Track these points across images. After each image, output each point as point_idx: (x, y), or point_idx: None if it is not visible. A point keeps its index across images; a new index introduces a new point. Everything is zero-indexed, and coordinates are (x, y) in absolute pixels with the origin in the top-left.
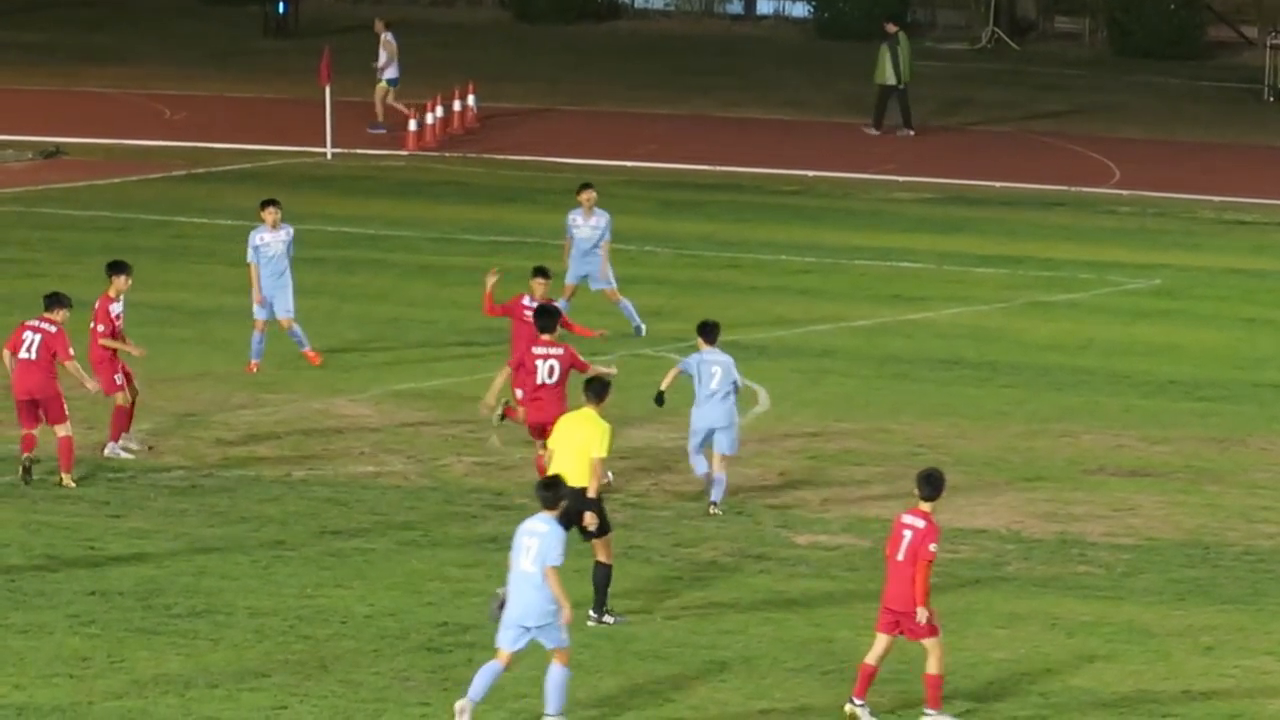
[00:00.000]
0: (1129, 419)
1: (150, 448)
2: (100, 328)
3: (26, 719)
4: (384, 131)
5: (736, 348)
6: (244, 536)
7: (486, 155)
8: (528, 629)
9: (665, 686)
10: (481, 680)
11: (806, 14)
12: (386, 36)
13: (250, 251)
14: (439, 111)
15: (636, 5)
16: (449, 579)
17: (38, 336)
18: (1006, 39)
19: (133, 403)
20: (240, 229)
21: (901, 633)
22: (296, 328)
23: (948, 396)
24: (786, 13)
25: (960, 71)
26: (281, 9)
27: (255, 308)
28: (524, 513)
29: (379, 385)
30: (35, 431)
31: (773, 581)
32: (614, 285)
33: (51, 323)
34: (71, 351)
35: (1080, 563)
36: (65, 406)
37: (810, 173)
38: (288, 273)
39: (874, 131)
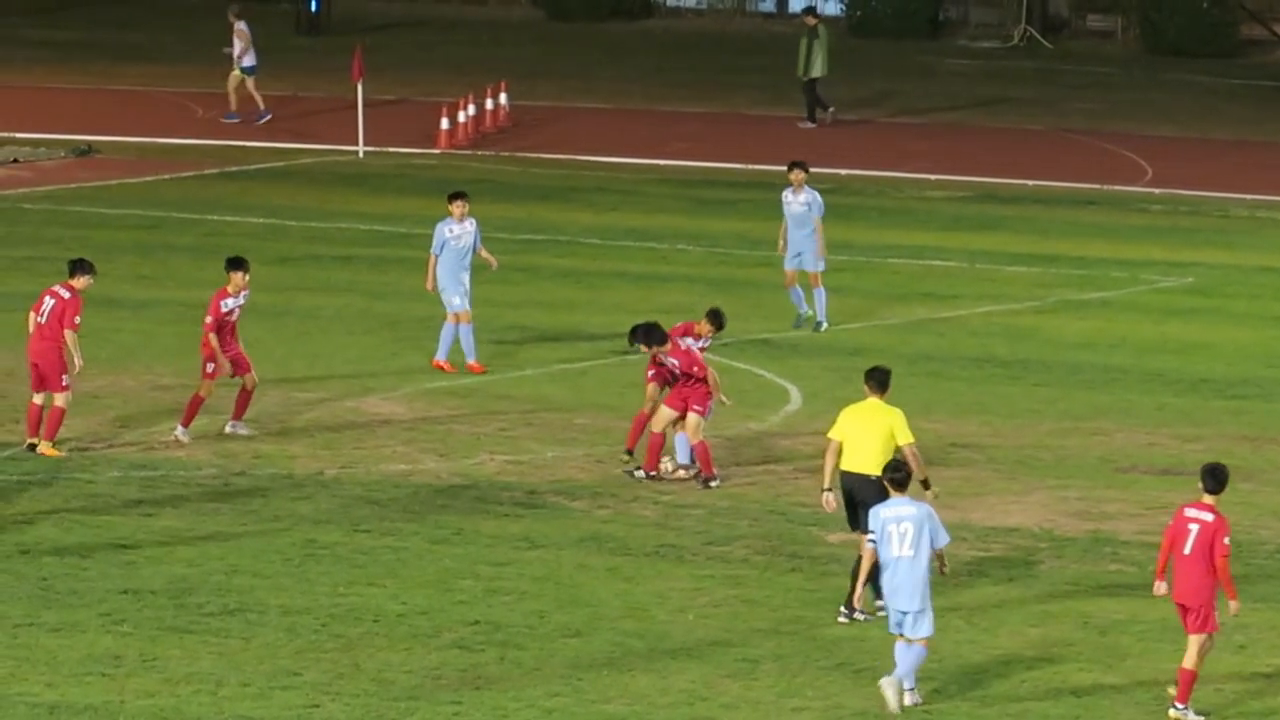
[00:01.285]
0: (1161, 417)
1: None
2: (209, 320)
3: (59, 718)
4: (238, 120)
5: (769, 346)
6: (276, 535)
7: (519, 153)
8: (905, 613)
9: (698, 684)
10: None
11: (839, 12)
12: (240, 25)
13: (436, 243)
14: (471, 110)
15: (669, 3)
16: (481, 577)
17: (53, 301)
18: (1039, 37)
19: (247, 389)
20: (272, 227)
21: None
22: (468, 325)
23: (980, 394)
24: (819, 11)
25: (993, 69)
26: (314, 7)
27: (454, 300)
28: (556, 511)
29: (411, 383)
30: (40, 401)
31: (805, 579)
32: (821, 269)
33: (69, 289)
34: (76, 320)
35: (1112, 561)
36: (66, 376)
37: (843, 171)
38: (470, 266)
39: (809, 124)
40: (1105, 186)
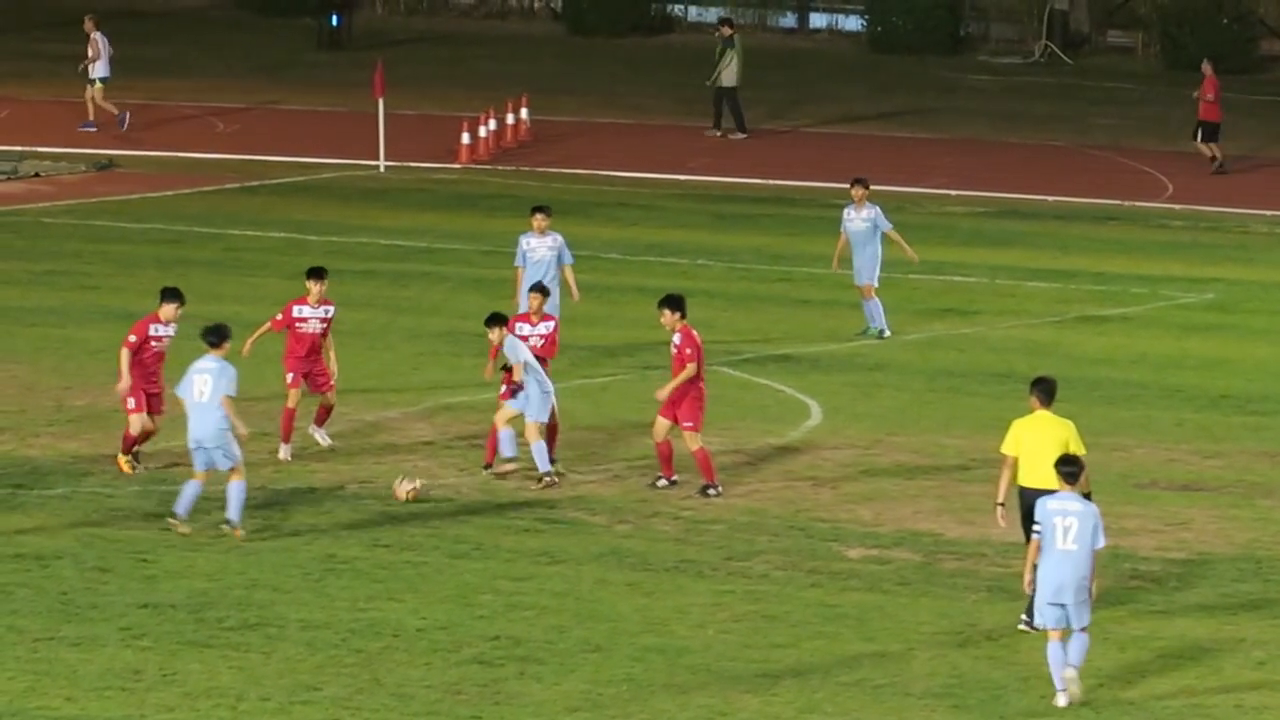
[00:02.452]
0: (1181, 433)
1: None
2: (279, 317)
3: None
4: (94, 129)
5: (789, 361)
6: (296, 549)
7: (539, 168)
8: (1064, 605)
9: (717, 700)
10: (1056, 656)
11: (860, 27)
12: (95, 35)
13: (518, 256)
14: (492, 124)
15: (690, 18)
16: (501, 592)
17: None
18: (1059, 53)
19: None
20: (293, 242)
21: None
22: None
23: (1000, 410)
24: (840, 26)
25: (1013, 85)
26: (335, 22)
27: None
28: (576, 526)
29: (432, 398)
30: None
31: (825, 595)
32: (875, 282)
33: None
34: (130, 338)
35: (1132, 577)
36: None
37: None
38: (554, 278)
39: (714, 133)
40: (1125, 202)
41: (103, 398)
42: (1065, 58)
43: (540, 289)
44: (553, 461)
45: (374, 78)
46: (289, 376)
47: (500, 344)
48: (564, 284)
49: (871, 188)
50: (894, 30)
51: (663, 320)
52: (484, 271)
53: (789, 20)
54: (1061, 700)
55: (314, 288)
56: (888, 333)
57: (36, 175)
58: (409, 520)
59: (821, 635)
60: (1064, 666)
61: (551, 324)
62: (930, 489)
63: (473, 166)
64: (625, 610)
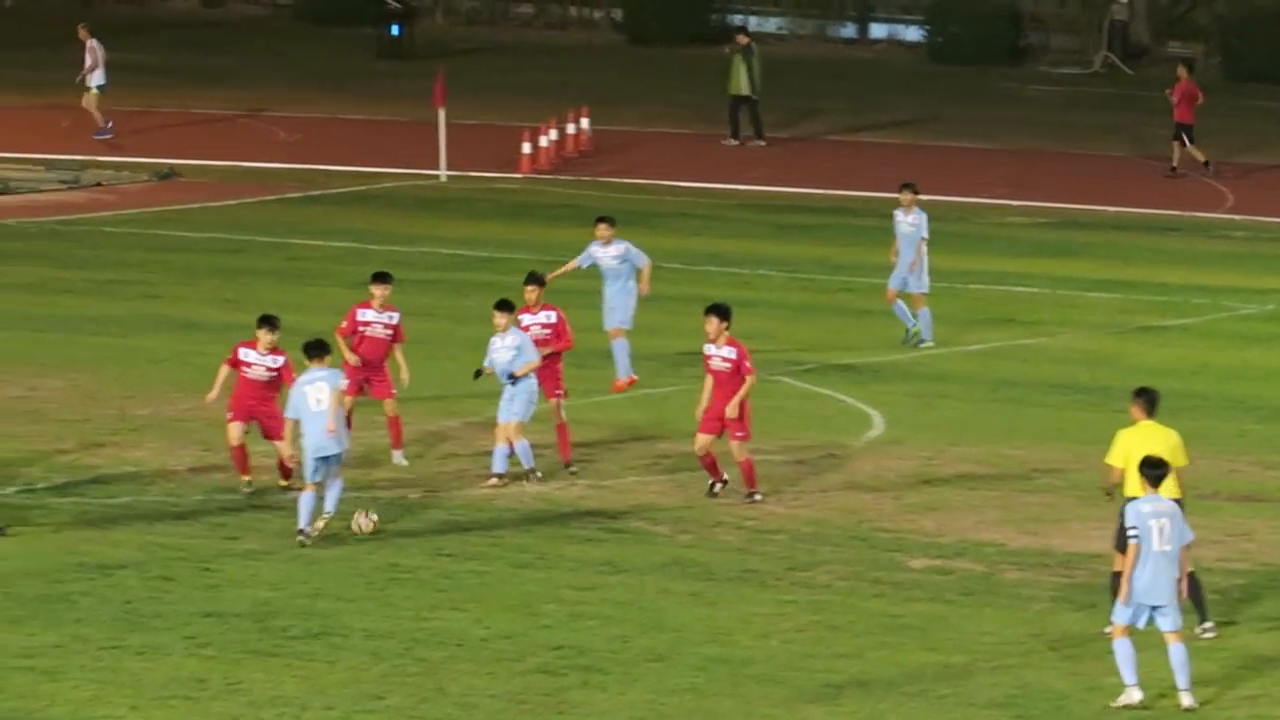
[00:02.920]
0: (1243, 444)
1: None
2: (344, 324)
3: None
4: (110, 136)
5: (851, 371)
6: (359, 558)
7: (600, 178)
8: (1151, 607)
9: (781, 710)
10: (1126, 660)
11: (919, 38)
12: (92, 43)
13: (583, 256)
14: (553, 134)
15: (750, 28)
16: (565, 601)
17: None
18: (1119, 63)
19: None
20: (354, 251)
21: None
22: (623, 342)
23: (1061, 421)
24: (899, 37)
25: (1073, 96)
26: (395, 31)
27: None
28: (639, 536)
29: (494, 408)
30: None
31: (888, 605)
32: (924, 291)
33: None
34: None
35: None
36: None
37: (923, 196)
38: (629, 285)
39: (732, 142)
40: (1186, 213)
41: (166, 407)
42: (1125, 69)
43: (536, 279)
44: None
45: (435, 87)
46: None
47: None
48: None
49: (931, 197)
50: (954, 41)
51: (709, 328)
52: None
53: (849, 31)
54: (1188, 700)
55: (378, 292)
56: (929, 341)
57: (98, 185)
58: (472, 529)
59: (885, 645)
60: (1134, 663)
61: (553, 314)
62: (992, 499)
63: (534, 176)
64: (688, 620)
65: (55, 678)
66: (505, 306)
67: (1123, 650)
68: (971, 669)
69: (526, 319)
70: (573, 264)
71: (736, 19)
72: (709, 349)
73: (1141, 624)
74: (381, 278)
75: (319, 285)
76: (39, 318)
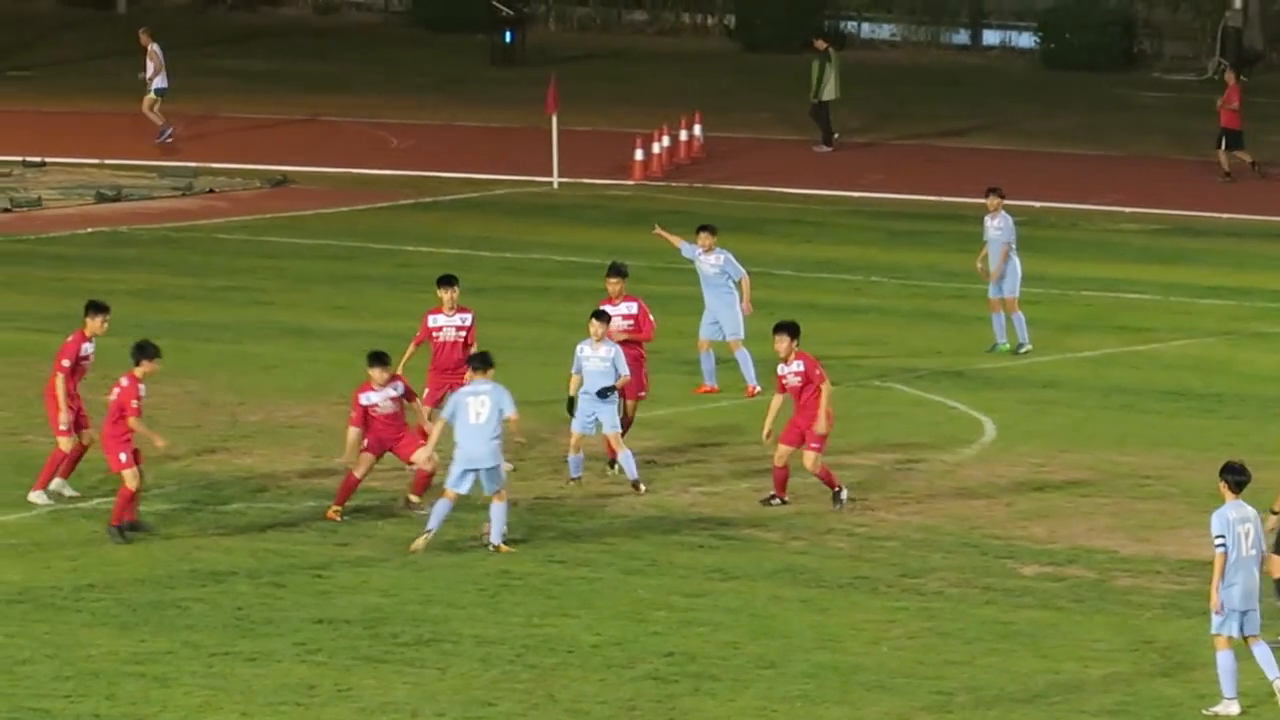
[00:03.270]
0: None
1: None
2: (419, 333)
3: None
4: (171, 138)
5: (962, 378)
6: (470, 565)
7: (712, 184)
8: (1244, 612)
9: (891, 717)
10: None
11: (1033, 44)
12: (153, 48)
13: (686, 250)
14: (665, 141)
15: (863, 35)
16: (675, 608)
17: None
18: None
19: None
20: (466, 258)
21: None
22: (745, 353)
23: (1173, 428)
24: (1013, 43)
25: (1186, 102)
26: (508, 37)
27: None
28: (749, 542)
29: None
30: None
31: (998, 612)
32: (1016, 295)
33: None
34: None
35: None
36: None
37: (1036, 203)
38: (728, 295)
39: (825, 148)
40: None
41: (277, 413)
42: (1239, 74)
43: (618, 271)
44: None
45: (547, 94)
46: (425, 391)
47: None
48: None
49: (1043, 204)
50: (1067, 47)
51: (779, 347)
52: (655, 288)
53: (961, 37)
54: None
55: (446, 295)
56: (1027, 347)
57: (211, 191)
58: (583, 536)
59: (995, 652)
60: (1235, 676)
61: (634, 305)
62: (1104, 506)
63: (646, 183)
64: (799, 627)
65: (166, 684)
66: (603, 317)
67: (1224, 662)
68: (1082, 676)
69: (608, 310)
70: (680, 242)
71: (850, 25)
72: (780, 369)
73: (1236, 633)
74: (447, 280)
75: (430, 292)
76: (151, 324)
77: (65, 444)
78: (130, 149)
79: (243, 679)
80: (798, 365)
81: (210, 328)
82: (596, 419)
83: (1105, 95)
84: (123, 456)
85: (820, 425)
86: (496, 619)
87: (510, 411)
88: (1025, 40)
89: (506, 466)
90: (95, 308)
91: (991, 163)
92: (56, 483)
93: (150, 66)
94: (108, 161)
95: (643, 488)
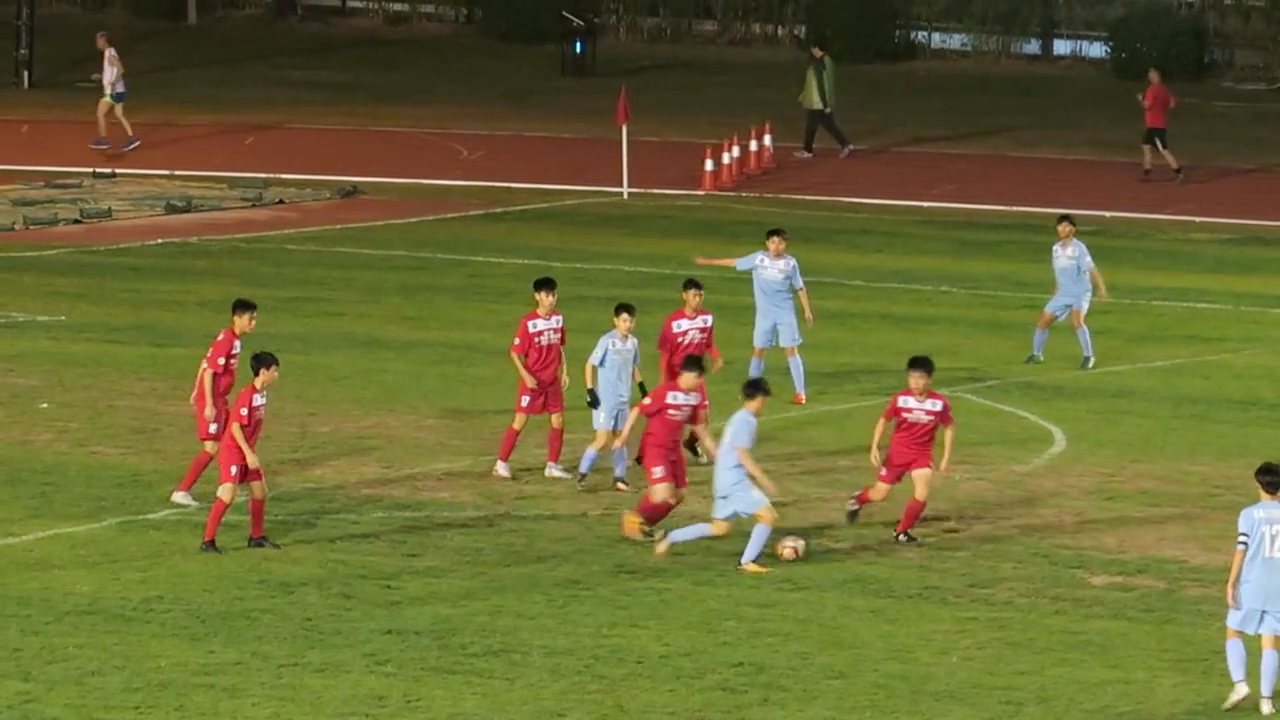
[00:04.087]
0: None
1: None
2: (517, 340)
3: None
4: (106, 146)
5: (1033, 388)
6: (539, 575)
7: (783, 194)
8: (1265, 613)
9: None
10: (1235, 659)
11: (1104, 54)
12: (110, 52)
13: (744, 264)
14: (735, 151)
15: (933, 45)
16: (745, 619)
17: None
18: None
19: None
20: (536, 268)
21: None
22: (798, 360)
23: (1245, 437)
24: (1083, 53)
25: (1258, 112)
26: (579, 48)
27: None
28: (820, 552)
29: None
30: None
31: (1068, 622)
32: (1084, 309)
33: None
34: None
35: None
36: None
37: (1107, 213)
38: (788, 302)
39: (807, 154)
40: None
41: (347, 423)
42: None
43: (697, 284)
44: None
45: (617, 104)
46: (524, 400)
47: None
48: (798, 308)
49: (1114, 213)
50: (1138, 56)
51: (917, 383)
52: (726, 298)
53: (1032, 46)
54: (1267, 708)
55: (545, 299)
56: (1092, 360)
57: (280, 202)
58: (652, 546)
59: (1065, 663)
60: (1243, 662)
61: (709, 318)
62: (1174, 516)
63: (716, 193)
64: (868, 637)
65: (235, 695)
66: (630, 310)
67: (1233, 650)
68: (1152, 686)
69: (684, 324)
70: (730, 261)
71: (920, 35)
72: (909, 402)
73: (1252, 629)
74: (546, 284)
75: (502, 303)
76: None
77: (211, 446)
78: (199, 160)
79: (312, 690)
80: (934, 404)
81: (280, 338)
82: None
83: (1176, 105)
84: (233, 469)
85: (946, 466)
86: (566, 629)
87: (739, 444)
88: (1096, 50)
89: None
90: (243, 305)
91: (1062, 173)
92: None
93: (109, 71)
94: (177, 172)
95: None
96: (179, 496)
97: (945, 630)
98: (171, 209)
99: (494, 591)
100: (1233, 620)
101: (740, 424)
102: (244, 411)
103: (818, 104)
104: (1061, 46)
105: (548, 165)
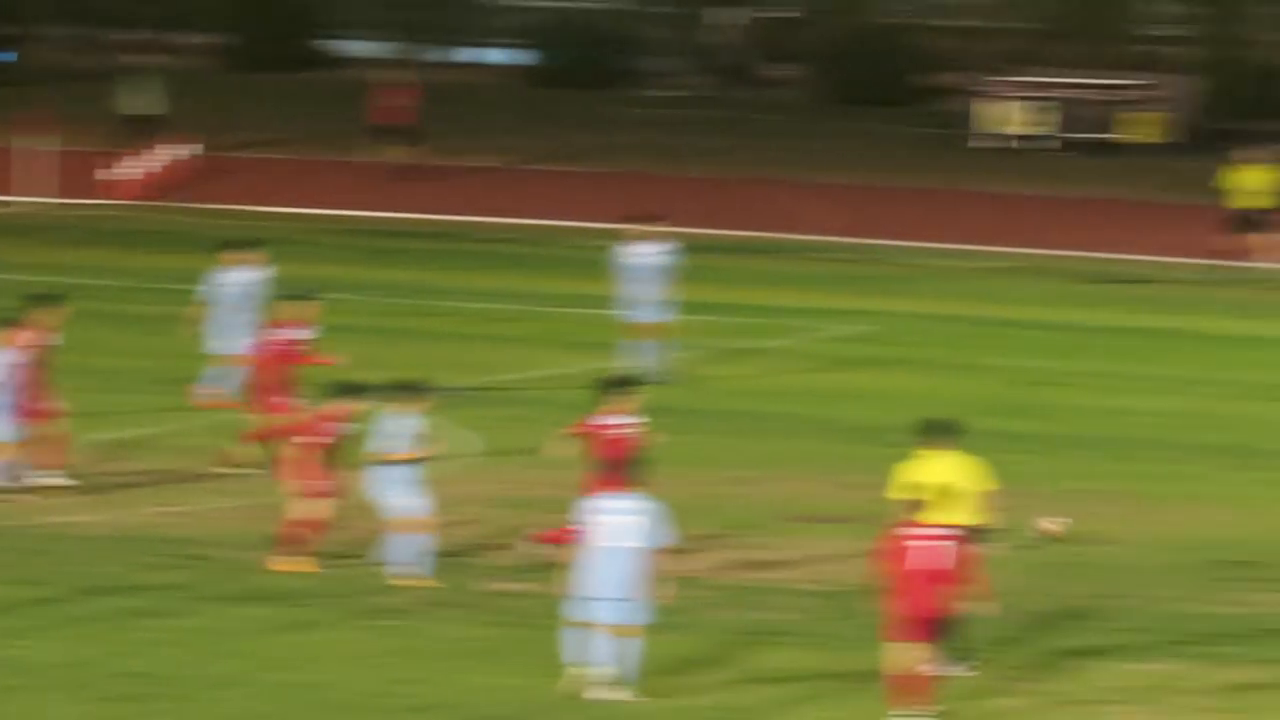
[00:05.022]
0: (827, 464)
1: None
2: None
3: None
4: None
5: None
6: None
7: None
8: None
9: None
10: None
11: (531, 60)
12: None
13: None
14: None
15: (351, 53)
16: (149, 630)
17: None
18: None
19: None
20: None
21: None
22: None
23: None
24: (512, 61)
25: (671, 119)
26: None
27: None
28: (221, 570)
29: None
30: None
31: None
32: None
33: None
34: None
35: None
36: None
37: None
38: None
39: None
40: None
41: None
42: None
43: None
44: None
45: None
46: None
47: None
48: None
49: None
50: (562, 63)
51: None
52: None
53: (468, 55)
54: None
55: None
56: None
57: None
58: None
59: (463, 669)
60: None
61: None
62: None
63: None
64: (268, 648)
65: None
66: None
67: (582, 639)
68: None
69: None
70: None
71: (334, 43)
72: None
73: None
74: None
75: None
76: None
77: None
78: None
79: None
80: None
81: None
82: None
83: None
84: None
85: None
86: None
87: None
88: (523, 57)
89: None
90: None
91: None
92: None
93: None
94: None
95: None
96: None
97: (348, 639)
98: None
99: None
100: (574, 611)
101: None
102: None
103: (140, 109)
104: (495, 55)
105: None
